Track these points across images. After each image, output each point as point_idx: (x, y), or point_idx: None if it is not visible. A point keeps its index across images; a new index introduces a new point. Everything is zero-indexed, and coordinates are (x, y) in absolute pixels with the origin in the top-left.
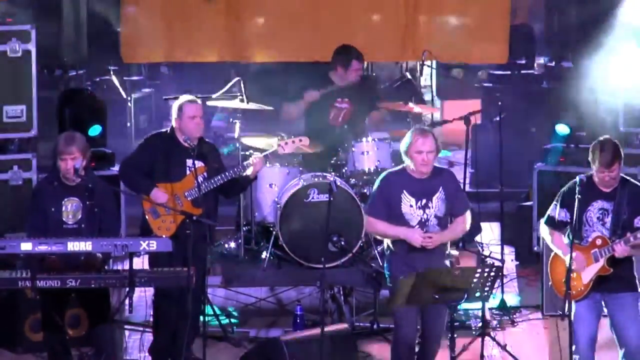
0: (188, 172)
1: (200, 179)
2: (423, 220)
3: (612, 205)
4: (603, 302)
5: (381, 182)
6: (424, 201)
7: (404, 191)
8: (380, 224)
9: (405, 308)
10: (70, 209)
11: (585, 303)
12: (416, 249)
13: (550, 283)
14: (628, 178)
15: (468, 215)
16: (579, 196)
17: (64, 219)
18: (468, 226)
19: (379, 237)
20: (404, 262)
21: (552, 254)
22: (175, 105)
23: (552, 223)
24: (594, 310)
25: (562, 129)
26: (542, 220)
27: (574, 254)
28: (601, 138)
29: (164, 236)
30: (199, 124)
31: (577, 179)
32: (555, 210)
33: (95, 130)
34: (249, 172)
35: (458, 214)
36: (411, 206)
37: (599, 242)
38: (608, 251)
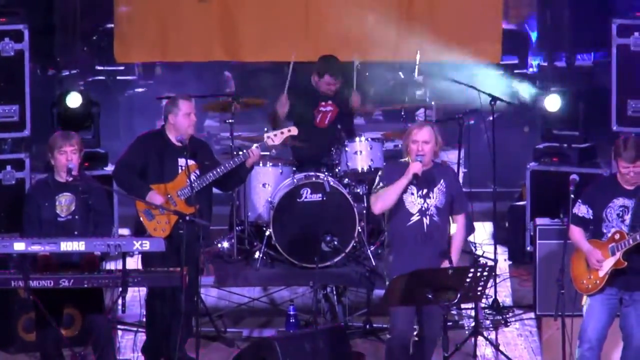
0: (180, 171)
1: (192, 177)
2: (423, 209)
3: (633, 202)
4: (619, 300)
5: (385, 168)
6: (425, 190)
7: None
8: (382, 192)
9: (402, 307)
10: (64, 203)
11: (599, 297)
12: (417, 249)
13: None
14: None
15: (465, 217)
16: (573, 196)
17: (57, 212)
18: (466, 229)
19: (387, 210)
20: (404, 261)
21: (574, 253)
22: (169, 102)
23: (576, 220)
24: (607, 304)
25: (551, 102)
26: (570, 222)
27: (592, 249)
28: (625, 135)
29: (159, 237)
30: (194, 121)
31: (570, 179)
32: (579, 207)
33: (73, 99)
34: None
35: (457, 212)
36: (412, 194)
37: (617, 236)
38: (625, 245)
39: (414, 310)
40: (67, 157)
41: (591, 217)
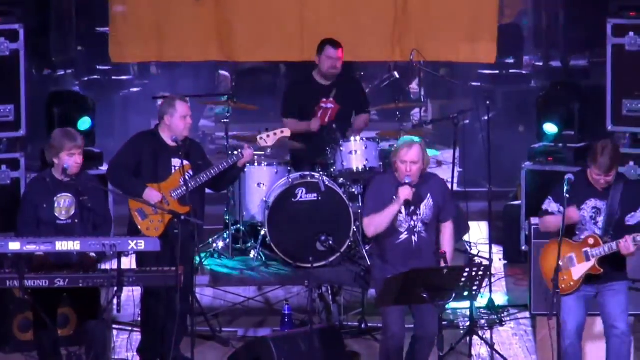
0: (173, 171)
1: (184, 177)
2: (411, 226)
3: (605, 204)
4: (595, 294)
5: (372, 185)
6: (412, 208)
7: (394, 198)
8: (375, 216)
9: (393, 307)
10: (64, 205)
11: (574, 295)
12: (405, 264)
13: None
14: (622, 174)
15: (451, 223)
16: (567, 195)
17: (56, 215)
18: (454, 233)
19: (381, 231)
20: (389, 267)
21: (545, 246)
22: (166, 103)
23: (544, 214)
24: (582, 301)
25: (550, 128)
26: (538, 216)
27: (565, 251)
28: (603, 141)
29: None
30: (189, 124)
31: (566, 178)
32: (549, 204)
33: (84, 123)
34: (238, 163)
35: (444, 220)
36: (400, 212)
37: (591, 241)
38: (600, 252)
39: (405, 310)
40: (77, 160)
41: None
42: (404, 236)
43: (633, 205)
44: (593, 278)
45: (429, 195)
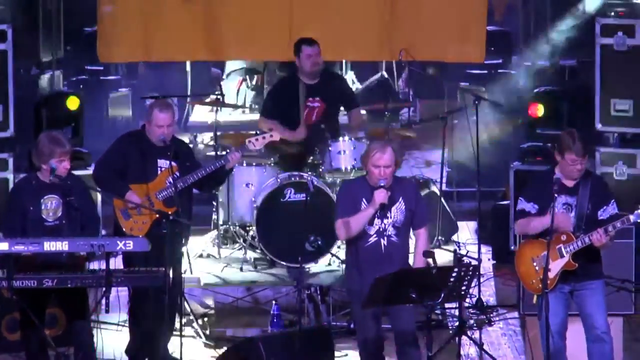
0: (159, 172)
1: (172, 178)
2: (381, 229)
3: (575, 200)
4: (571, 294)
5: (343, 189)
6: (382, 210)
7: (363, 199)
8: (348, 219)
9: (362, 313)
10: (51, 207)
11: (552, 295)
12: (374, 269)
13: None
14: (589, 170)
15: (425, 231)
16: (557, 195)
17: (43, 217)
18: (427, 240)
19: (352, 234)
20: (361, 280)
21: (518, 248)
22: (149, 107)
23: (521, 214)
24: (561, 298)
25: (535, 110)
26: (516, 218)
27: (539, 251)
28: (567, 130)
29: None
30: (166, 134)
31: (555, 179)
32: (523, 204)
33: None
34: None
35: (416, 227)
36: None
37: (563, 237)
38: (574, 247)
39: (376, 313)
40: (67, 165)
41: (535, 212)
42: (372, 239)
43: (603, 199)
44: (568, 275)
45: (401, 198)
